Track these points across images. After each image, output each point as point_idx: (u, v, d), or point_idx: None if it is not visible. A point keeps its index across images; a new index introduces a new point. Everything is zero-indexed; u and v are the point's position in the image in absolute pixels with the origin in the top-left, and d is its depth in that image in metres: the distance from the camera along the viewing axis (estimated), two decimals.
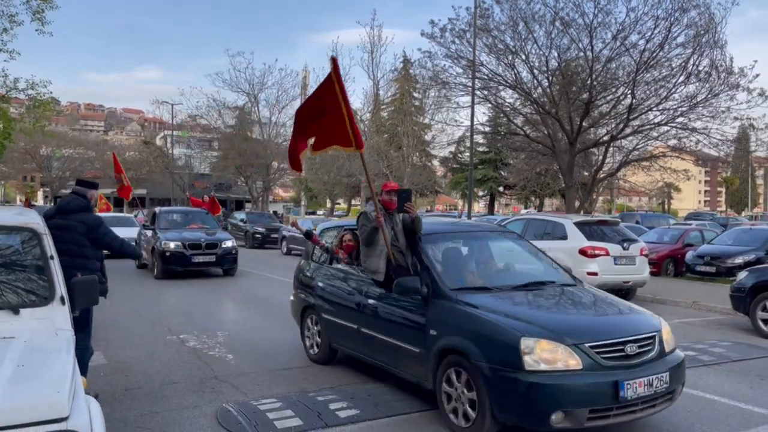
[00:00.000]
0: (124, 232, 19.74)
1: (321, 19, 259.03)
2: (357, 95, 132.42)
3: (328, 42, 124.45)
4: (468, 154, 25.23)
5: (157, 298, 12.00)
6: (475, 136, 27.85)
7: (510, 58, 19.02)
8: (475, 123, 21.07)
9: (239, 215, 30.29)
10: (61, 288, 3.35)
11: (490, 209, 56.79)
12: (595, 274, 11.48)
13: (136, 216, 24.92)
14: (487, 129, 30.92)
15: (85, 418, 2.49)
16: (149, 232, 15.50)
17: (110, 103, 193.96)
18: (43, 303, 3.30)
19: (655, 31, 17.55)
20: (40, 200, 67.29)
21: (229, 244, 15.12)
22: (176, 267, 14.38)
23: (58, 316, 3.27)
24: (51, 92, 20.18)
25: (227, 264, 15.08)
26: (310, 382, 6.14)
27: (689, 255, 15.96)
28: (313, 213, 57.33)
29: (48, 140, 51.13)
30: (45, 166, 55.31)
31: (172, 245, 14.33)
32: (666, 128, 19.83)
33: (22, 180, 72.85)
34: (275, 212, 51.13)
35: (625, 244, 11.97)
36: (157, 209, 17.05)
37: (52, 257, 3.40)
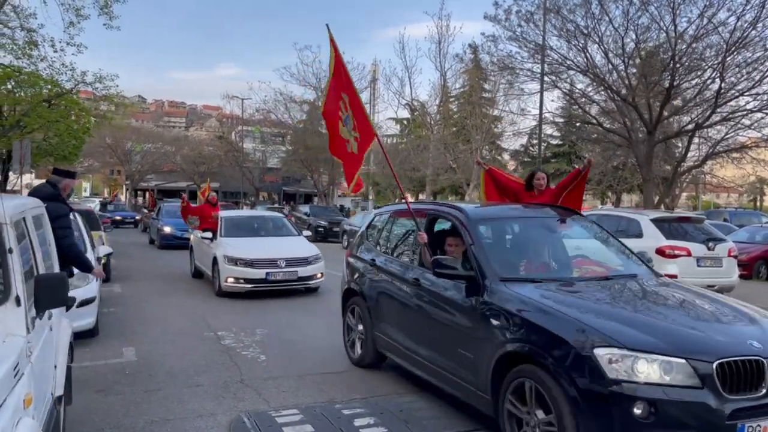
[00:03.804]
0: (278, 248, 10.76)
1: (390, 14, 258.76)
2: (424, 87, 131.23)
3: (396, 35, 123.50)
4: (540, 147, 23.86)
5: (199, 292, 11.73)
6: (547, 128, 26.36)
7: (582, 40, 17.69)
8: (545, 112, 19.88)
9: (303, 208, 30.56)
10: (18, 287, 2.91)
11: None
12: (675, 276, 10.28)
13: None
14: (559, 119, 29.31)
15: None
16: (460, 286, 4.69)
17: (192, 100, 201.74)
18: None
19: (747, 7, 15.80)
20: (123, 193, 70.65)
21: None
22: None
23: (10, 320, 2.82)
24: (117, 85, 20.71)
25: None
26: (340, 390, 5.59)
27: None
28: (380, 208, 56.97)
29: (129, 135, 53.46)
30: (125, 160, 57.73)
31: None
32: (760, 115, 17.92)
33: (109, 173, 76.74)
34: (342, 206, 51.13)
35: (710, 244, 10.70)
36: (467, 207, 5.48)
37: (10, 250, 2.96)
